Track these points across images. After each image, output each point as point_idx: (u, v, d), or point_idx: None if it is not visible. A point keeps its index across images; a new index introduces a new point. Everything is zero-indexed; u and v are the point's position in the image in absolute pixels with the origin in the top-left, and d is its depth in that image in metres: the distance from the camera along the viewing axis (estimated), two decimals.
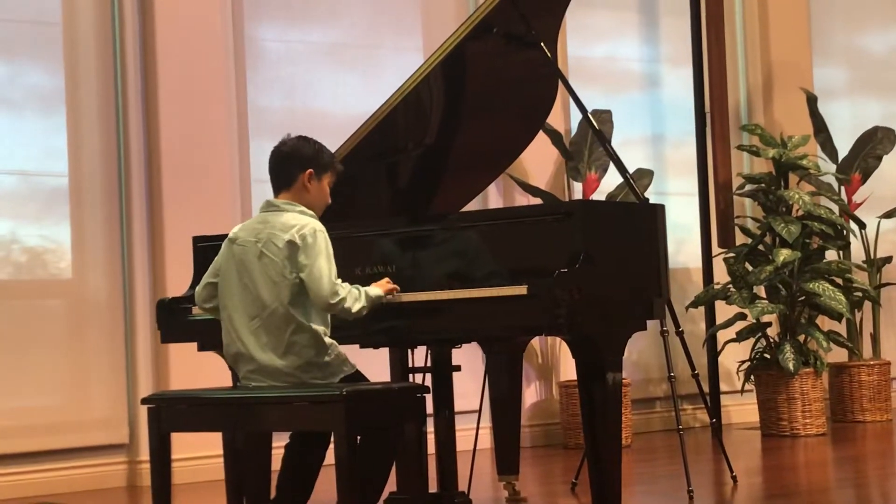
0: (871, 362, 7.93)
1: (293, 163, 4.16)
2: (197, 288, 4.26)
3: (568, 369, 7.40)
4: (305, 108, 7.04)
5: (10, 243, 6.32)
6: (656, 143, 8.47)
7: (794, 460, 6.57)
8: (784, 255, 7.16)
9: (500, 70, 4.87)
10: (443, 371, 4.59)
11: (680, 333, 5.49)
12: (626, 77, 8.40)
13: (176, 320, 4.60)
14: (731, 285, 7.45)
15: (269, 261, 4.02)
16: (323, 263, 3.97)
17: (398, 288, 4.14)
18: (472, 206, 5.18)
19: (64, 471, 6.21)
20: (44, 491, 6.07)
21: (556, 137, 7.31)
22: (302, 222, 4.04)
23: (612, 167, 7.12)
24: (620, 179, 7.09)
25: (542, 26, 4.71)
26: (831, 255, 7.76)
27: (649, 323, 4.29)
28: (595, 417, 4.05)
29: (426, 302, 4.11)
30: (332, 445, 3.83)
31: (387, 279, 4.19)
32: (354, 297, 4.00)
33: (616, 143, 7.16)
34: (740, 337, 7.48)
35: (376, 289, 4.09)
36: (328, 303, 3.96)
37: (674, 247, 7.81)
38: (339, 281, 3.99)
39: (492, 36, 4.65)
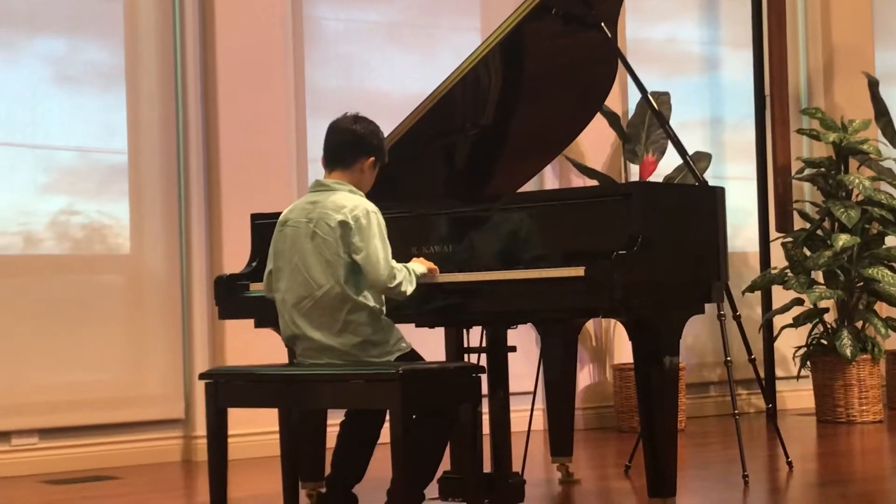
0: None
1: (362, 146, 4.14)
2: (264, 279, 4.25)
3: (622, 352, 7.37)
4: (362, 87, 7.04)
5: (68, 219, 6.37)
6: (715, 126, 8.40)
7: (850, 447, 6.52)
8: (843, 240, 7.09)
9: (559, 51, 4.84)
10: (498, 352, 4.58)
11: (737, 318, 5.45)
12: (685, 59, 8.34)
13: (233, 297, 4.63)
14: (788, 270, 7.39)
15: (321, 241, 4.02)
16: (378, 246, 3.96)
17: (437, 269, 4.15)
18: (528, 187, 5.17)
19: (120, 445, 6.27)
20: (100, 464, 6.13)
21: (613, 119, 7.26)
22: (353, 202, 4.02)
23: (669, 150, 7.10)
24: (678, 162, 7.06)
25: (603, 7, 4.68)
26: (891, 240, 7.67)
27: (706, 307, 4.26)
28: (651, 401, 4.04)
29: (482, 282, 4.10)
30: (386, 424, 3.85)
31: (421, 258, 4.19)
32: (409, 280, 4.01)
33: (674, 125, 7.00)
34: (797, 322, 7.42)
35: (420, 266, 4.11)
36: (386, 286, 3.96)
37: (731, 231, 7.66)
38: (394, 263, 4.00)
39: (551, 17, 4.63)
